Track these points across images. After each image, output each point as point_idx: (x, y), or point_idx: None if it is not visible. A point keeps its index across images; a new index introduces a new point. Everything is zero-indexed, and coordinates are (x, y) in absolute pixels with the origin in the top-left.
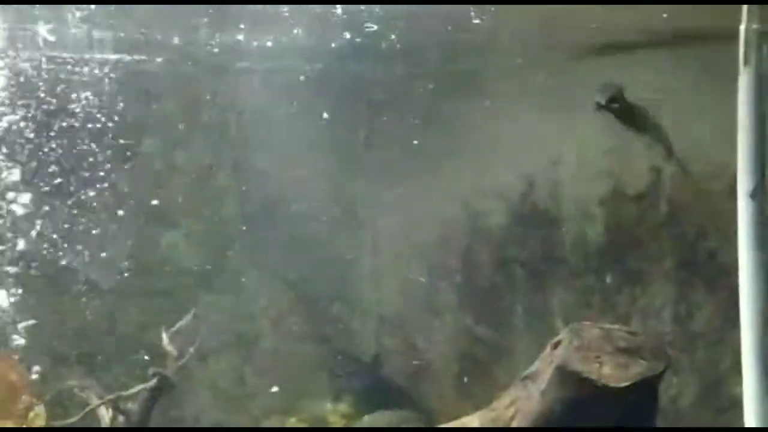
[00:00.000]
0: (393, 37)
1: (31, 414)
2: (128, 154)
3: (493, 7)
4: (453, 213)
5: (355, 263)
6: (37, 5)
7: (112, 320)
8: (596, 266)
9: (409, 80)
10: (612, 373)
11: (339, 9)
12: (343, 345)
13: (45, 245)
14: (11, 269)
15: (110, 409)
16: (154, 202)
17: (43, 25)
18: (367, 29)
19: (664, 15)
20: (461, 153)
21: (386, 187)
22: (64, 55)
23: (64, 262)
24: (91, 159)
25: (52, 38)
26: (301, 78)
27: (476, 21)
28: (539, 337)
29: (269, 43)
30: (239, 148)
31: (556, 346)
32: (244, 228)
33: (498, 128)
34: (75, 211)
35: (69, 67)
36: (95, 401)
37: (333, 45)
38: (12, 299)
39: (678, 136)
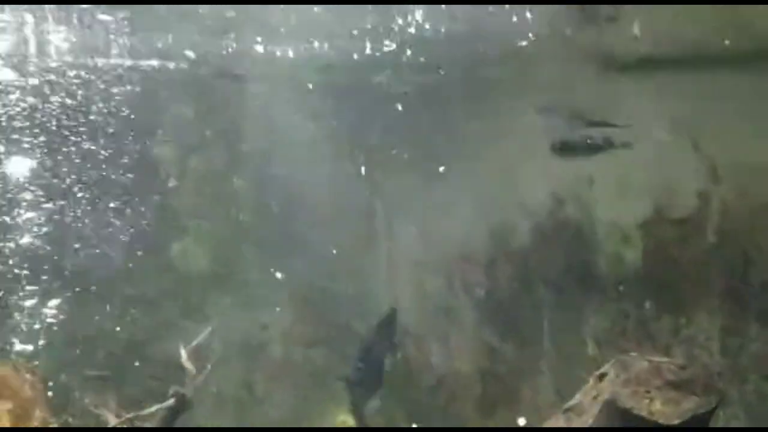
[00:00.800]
0: (415, 49)
1: None
2: (141, 157)
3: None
4: (475, 227)
5: (372, 275)
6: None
7: (123, 326)
8: (633, 291)
9: (433, 91)
10: (663, 409)
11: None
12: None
13: (57, 249)
14: (25, 273)
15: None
16: (166, 205)
17: (62, 29)
18: (386, 48)
19: (726, 41)
20: (488, 166)
21: (406, 198)
22: (82, 60)
23: (74, 267)
24: (104, 162)
25: (69, 43)
26: (321, 88)
27: (504, 30)
28: (566, 358)
29: (290, 54)
30: (254, 156)
31: (601, 378)
32: (256, 234)
33: (528, 142)
34: (88, 215)
35: (85, 71)
36: (112, 419)
37: (355, 56)
38: (25, 306)
39: (729, 161)
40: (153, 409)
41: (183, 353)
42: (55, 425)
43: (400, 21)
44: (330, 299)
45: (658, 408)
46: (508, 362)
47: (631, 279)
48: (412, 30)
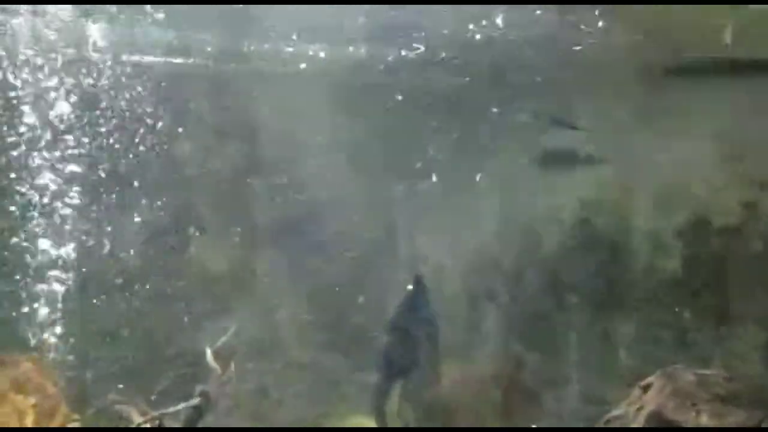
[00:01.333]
0: (447, 51)
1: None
2: (163, 155)
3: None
4: (499, 234)
5: (391, 281)
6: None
7: (143, 325)
8: (670, 301)
9: (462, 93)
10: (710, 422)
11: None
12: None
13: (79, 248)
14: (50, 273)
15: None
16: (187, 204)
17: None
18: (417, 49)
19: None
20: (516, 173)
21: (430, 204)
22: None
23: (96, 264)
24: (126, 159)
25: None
26: (348, 89)
27: (542, 33)
28: (594, 368)
29: (322, 54)
30: (276, 156)
31: (645, 389)
32: (275, 236)
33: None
34: (110, 212)
35: (107, 67)
36: (136, 417)
37: (390, 58)
38: (47, 303)
39: None
40: (179, 407)
41: (208, 353)
42: (79, 422)
43: (430, 23)
44: (347, 303)
45: (705, 421)
46: (532, 370)
47: (668, 288)
48: (443, 32)
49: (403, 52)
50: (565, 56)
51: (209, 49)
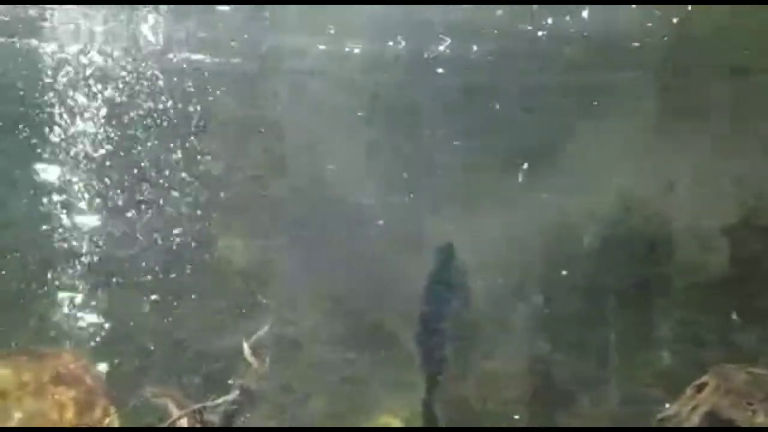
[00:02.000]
0: (482, 47)
1: (106, 420)
2: (190, 152)
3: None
4: (533, 231)
5: (416, 278)
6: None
7: (168, 319)
8: (714, 300)
9: (497, 90)
10: (766, 421)
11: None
12: (401, 362)
13: (109, 244)
14: (79, 265)
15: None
16: (213, 201)
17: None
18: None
19: None
20: (555, 169)
21: (459, 203)
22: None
23: (124, 260)
24: (152, 157)
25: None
26: (379, 86)
27: (586, 34)
28: (632, 368)
29: (356, 50)
30: (302, 154)
31: (700, 389)
32: (299, 233)
33: (602, 146)
34: (137, 209)
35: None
36: (175, 410)
37: (426, 55)
38: (80, 299)
39: None
40: (219, 401)
41: (245, 348)
42: (117, 415)
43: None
44: (371, 302)
45: (761, 420)
46: (566, 370)
47: (712, 288)
48: (491, 29)
49: (442, 48)
50: (622, 53)
51: (237, 46)
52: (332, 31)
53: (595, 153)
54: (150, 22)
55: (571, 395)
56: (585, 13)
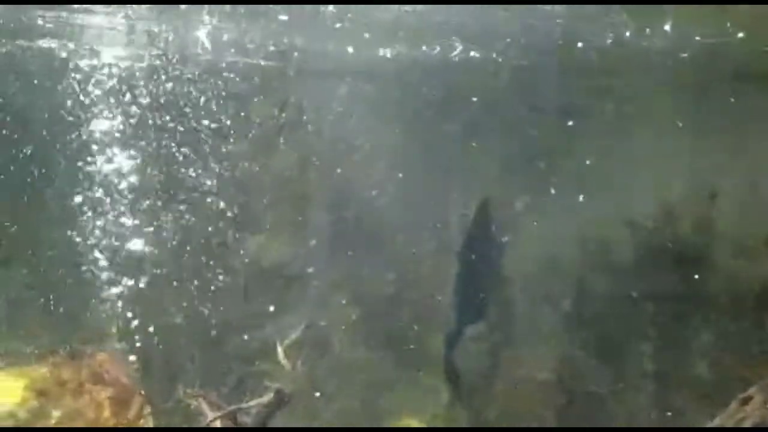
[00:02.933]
0: (512, 52)
1: (141, 421)
2: (222, 152)
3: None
4: (567, 237)
5: (446, 282)
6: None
7: (203, 321)
8: (756, 310)
9: (533, 95)
10: None
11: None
12: (425, 365)
13: (142, 244)
14: (114, 266)
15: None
16: (245, 200)
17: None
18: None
19: None
20: (593, 174)
21: (497, 206)
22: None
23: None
24: (185, 157)
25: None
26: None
27: (627, 35)
28: (668, 378)
29: (389, 54)
30: (333, 155)
31: (745, 402)
32: (330, 234)
33: (642, 151)
34: (168, 209)
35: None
36: (209, 412)
37: (456, 60)
38: (113, 300)
39: None
40: (253, 403)
41: (279, 350)
42: (152, 415)
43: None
44: (400, 304)
45: None
46: (600, 378)
47: (753, 298)
48: (516, 34)
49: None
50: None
51: (271, 48)
52: (366, 36)
53: (636, 160)
54: (186, 25)
55: (606, 405)
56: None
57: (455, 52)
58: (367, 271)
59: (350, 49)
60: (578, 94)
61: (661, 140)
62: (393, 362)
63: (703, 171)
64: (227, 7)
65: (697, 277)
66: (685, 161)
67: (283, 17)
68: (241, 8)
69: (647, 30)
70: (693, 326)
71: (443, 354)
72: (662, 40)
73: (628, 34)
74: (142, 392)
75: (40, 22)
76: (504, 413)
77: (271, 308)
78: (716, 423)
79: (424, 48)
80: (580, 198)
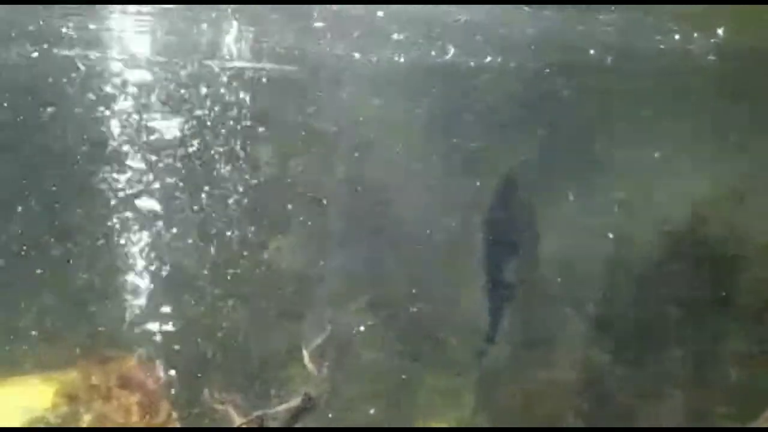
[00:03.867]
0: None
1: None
2: (242, 155)
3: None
4: (598, 241)
5: (471, 284)
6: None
7: (219, 321)
8: None
9: (565, 98)
10: None
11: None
12: (450, 369)
13: (168, 249)
14: (139, 275)
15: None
16: (264, 204)
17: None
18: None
19: None
20: (621, 176)
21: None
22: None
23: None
24: (207, 160)
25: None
26: (431, 93)
27: (657, 37)
28: (695, 384)
29: (402, 60)
30: (353, 159)
31: None
32: (351, 237)
33: (673, 154)
34: (189, 212)
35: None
36: (237, 418)
37: (473, 64)
38: (139, 305)
39: None
40: (281, 408)
41: (305, 355)
42: (178, 421)
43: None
44: (422, 309)
45: None
46: (625, 382)
47: None
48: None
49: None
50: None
51: (296, 52)
52: (393, 38)
53: (666, 162)
54: (207, 29)
55: (634, 411)
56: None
57: (497, 60)
58: (392, 275)
59: (374, 58)
60: (614, 97)
61: (698, 143)
62: (418, 366)
63: (732, 172)
64: (258, 9)
65: (726, 280)
66: (717, 164)
67: (318, 23)
68: (275, 13)
69: (695, 34)
70: (722, 331)
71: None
72: (706, 44)
73: (677, 37)
74: (169, 397)
75: (65, 30)
76: (528, 417)
77: (296, 313)
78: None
79: (439, 52)
80: (613, 198)
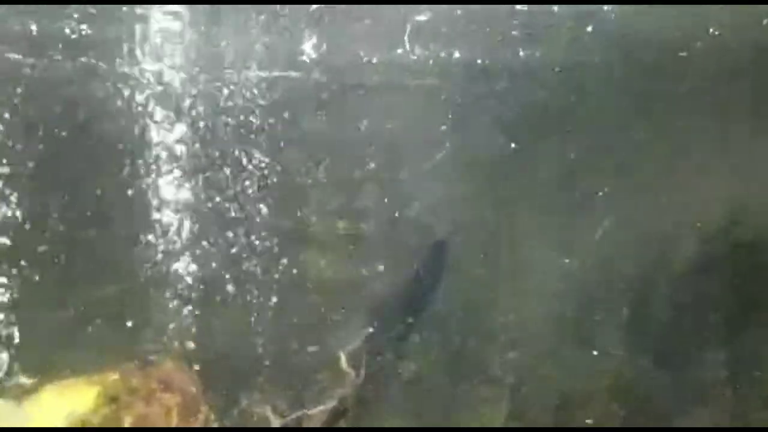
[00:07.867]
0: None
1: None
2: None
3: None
4: (629, 247)
5: (493, 296)
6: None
7: (249, 333)
8: None
9: (596, 98)
10: None
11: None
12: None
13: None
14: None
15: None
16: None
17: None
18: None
19: None
20: (657, 178)
21: (549, 215)
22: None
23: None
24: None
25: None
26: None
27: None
28: (730, 392)
29: (430, 61)
30: (382, 168)
31: None
32: (380, 248)
33: (700, 151)
34: (217, 223)
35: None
36: (274, 419)
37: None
38: (174, 308)
39: None
40: (318, 409)
41: (342, 358)
42: (216, 423)
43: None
44: (446, 320)
45: None
46: (660, 390)
47: None
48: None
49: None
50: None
51: (318, 60)
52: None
53: (701, 162)
54: (226, 35)
55: (669, 419)
56: None
57: (537, 53)
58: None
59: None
60: (654, 96)
61: (736, 143)
62: (451, 374)
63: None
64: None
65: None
66: (754, 162)
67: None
68: (302, 22)
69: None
70: (759, 335)
71: None
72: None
73: (717, 33)
74: (208, 400)
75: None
76: (560, 423)
77: (332, 318)
78: None
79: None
80: (649, 200)
